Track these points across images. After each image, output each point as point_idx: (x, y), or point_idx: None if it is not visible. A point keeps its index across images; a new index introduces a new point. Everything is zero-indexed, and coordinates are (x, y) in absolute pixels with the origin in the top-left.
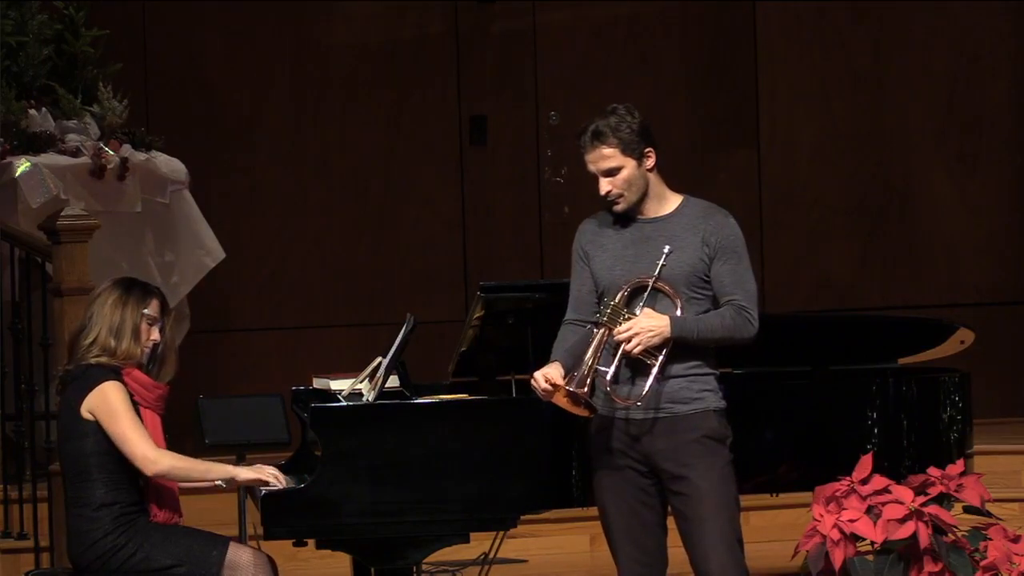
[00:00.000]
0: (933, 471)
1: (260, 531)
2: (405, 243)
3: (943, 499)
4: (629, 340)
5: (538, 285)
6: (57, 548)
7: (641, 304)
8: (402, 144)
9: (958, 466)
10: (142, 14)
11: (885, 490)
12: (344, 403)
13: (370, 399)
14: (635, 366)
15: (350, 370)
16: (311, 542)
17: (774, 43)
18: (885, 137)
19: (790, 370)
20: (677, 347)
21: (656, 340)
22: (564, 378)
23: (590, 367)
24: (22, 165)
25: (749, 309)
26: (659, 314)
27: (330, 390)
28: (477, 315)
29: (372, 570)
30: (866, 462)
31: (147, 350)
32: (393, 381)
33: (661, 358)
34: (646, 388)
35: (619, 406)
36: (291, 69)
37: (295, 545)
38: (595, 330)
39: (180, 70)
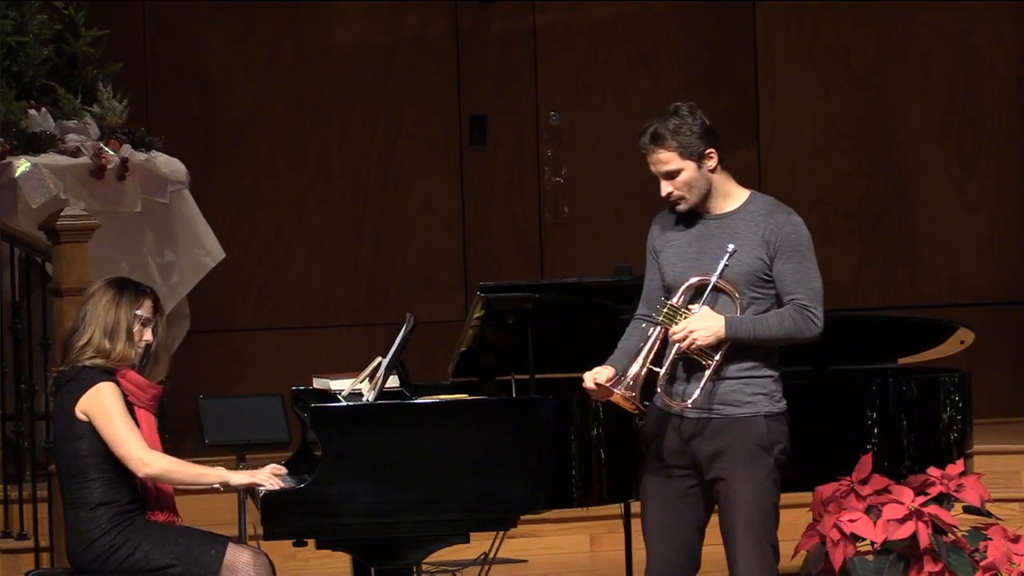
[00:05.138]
0: (933, 471)
1: (260, 531)
2: (405, 243)
3: (943, 499)
4: (684, 339)
5: (538, 285)
6: (57, 548)
7: (701, 302)
8: (402, 144)
9: (958, 466)
10: (142, 14)
11: (885, 490)
12: (344, 403)
13: (370, 399)
14: (690, 366)
15: (350, 370)
16: (311, 542)
17: (774, 43)
18: (885, 137)
19: (790, 370)
20: (734, 347)
21: (711, 340)
22: (613, 378)
23: (643, 366)
24: (22, 165)
25: (812, 308)
26: (715, 314)
27: (330, 390)
28: (477, 315)
29: (372, 570)
30: (866, 462)
31: (140, 350)
32: (393, 381)
33: (717, 359)
34: (697, 391)
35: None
36: (291, 69)
37: (295, 545)
38: (651, 329)
39: (180, 70)
